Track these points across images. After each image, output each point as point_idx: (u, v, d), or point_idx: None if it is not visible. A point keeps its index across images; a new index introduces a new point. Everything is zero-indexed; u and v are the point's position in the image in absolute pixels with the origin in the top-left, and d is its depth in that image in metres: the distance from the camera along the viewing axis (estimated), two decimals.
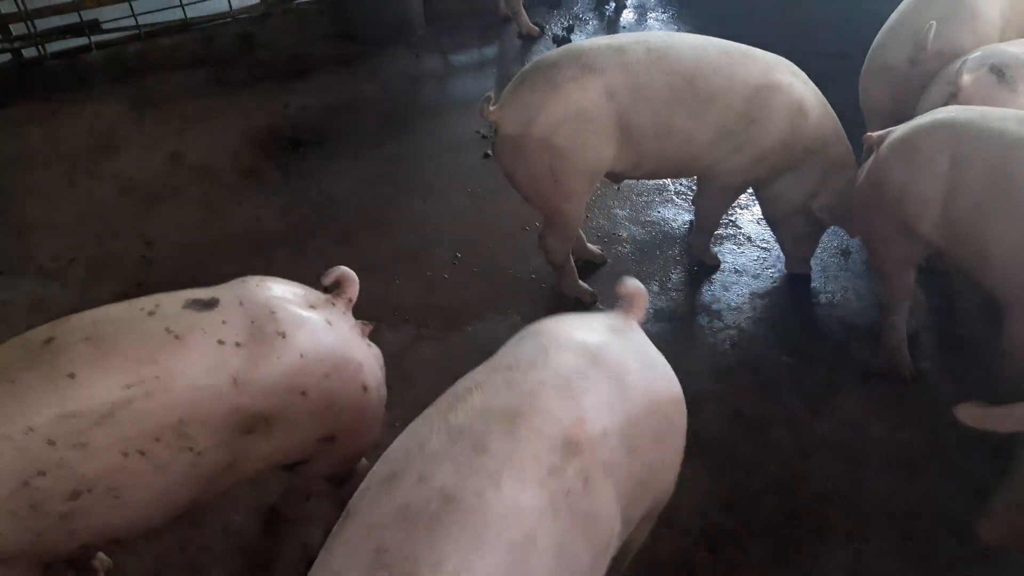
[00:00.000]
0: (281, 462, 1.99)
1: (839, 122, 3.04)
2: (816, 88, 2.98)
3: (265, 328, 1.79)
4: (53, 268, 3.43)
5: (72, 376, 1.63)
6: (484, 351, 2.96)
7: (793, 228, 3.21)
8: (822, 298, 3.28)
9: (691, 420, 2.76)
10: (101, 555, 2.32)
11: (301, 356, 1.81)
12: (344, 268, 2.01)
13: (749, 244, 3.53)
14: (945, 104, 2.87)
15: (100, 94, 4.56)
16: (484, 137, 4.17)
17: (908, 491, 2.55)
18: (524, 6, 4.95)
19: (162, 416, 1.68)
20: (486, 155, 4.04)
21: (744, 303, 3.24)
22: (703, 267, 3.39)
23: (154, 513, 1.79)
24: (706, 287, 3.30)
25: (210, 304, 1.81)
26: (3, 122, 4.32)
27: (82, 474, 1.63)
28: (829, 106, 3.01)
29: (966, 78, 2.80)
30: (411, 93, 4.64)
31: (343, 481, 2.25)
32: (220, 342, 1.74)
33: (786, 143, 2.91)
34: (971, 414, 2.01)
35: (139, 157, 4.09)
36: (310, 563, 2.31)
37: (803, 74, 2.97)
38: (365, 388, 1.95)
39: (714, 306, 3.22)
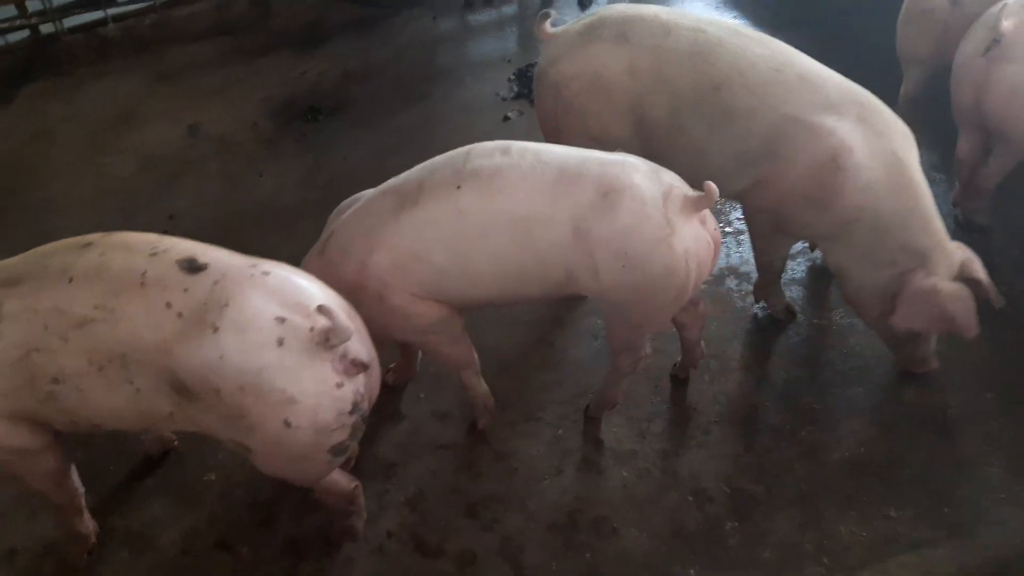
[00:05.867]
0: (218, 437, 1.96)
1: (924, 201, 2.39)
2: (897, 149, 2.35)
3: (208, 315, 1.80)
4: None
5: (71, 280, 1.86)
6: (503, 323, 2.95)
7: (878, 327, 2.60)
8: None
9: (720, 385, 2.73)
10: (92, 520, 2.37)
11: (220, 358, 1.78)
12: (336, 317, 1.81)
13: None
14: (986, 52, 2.74)
15: (118, 68, 4.54)
16: (504, 99, 4.08)
17: (943, 457, 2.48)
18: None
19: (111, 344, 1.85)
20: (505, 118, 3.96)
21: None
22: (732, 228, 3.30)
23: (108, 421, 2.00)
24: (735, 250, 3.21)
25: (196, 269, 1.87)
26: (23, 99, 4.33)
27: (62, 364, 1.87)
28: (912, 176, 2.37)
29: (1006, 23, 2.67)
30: (428, 56, 4.55)
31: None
32: (168, 305, 1.83)
33: (809, 198, 2.40)
34: None
35: (159, 130, 4.08)
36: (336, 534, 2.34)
37: (883, 123, 2.37)
38: (288, 423, 1.84)
39: (742, 268, 3.13)
